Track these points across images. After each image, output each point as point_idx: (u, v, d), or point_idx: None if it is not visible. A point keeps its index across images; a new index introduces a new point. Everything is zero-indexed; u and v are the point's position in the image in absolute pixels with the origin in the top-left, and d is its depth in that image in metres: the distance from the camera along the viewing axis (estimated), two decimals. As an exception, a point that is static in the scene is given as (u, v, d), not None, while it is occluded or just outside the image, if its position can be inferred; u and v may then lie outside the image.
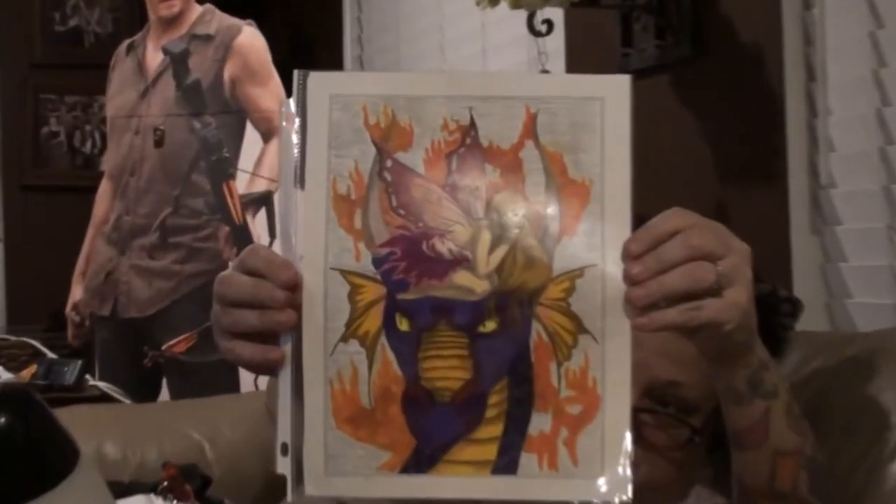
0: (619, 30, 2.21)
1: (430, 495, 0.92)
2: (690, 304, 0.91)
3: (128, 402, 2.58)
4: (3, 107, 4.29)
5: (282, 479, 0.92)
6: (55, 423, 0.90)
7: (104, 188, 3.09)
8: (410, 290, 0.92)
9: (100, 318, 2.98)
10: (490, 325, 0.92)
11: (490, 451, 0.91)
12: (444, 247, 0.92)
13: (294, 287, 0.92)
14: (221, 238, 2.90)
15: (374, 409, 0.92)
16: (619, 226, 0.91)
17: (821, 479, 1.05)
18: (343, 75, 1.00)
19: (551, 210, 0.92)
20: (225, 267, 0.97)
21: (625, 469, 0.90)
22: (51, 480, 0.88)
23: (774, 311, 1.22)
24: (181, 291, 2.88)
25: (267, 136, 2.97)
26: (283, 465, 0.91)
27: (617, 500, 0.90)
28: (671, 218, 0.92)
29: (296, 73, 0.94)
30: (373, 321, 0.92)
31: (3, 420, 0.88)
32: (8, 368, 2.61)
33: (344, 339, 0.92)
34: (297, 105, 0.94)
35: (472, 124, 0.93)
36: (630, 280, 0.90)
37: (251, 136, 3.01)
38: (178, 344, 2.79)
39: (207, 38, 2.99)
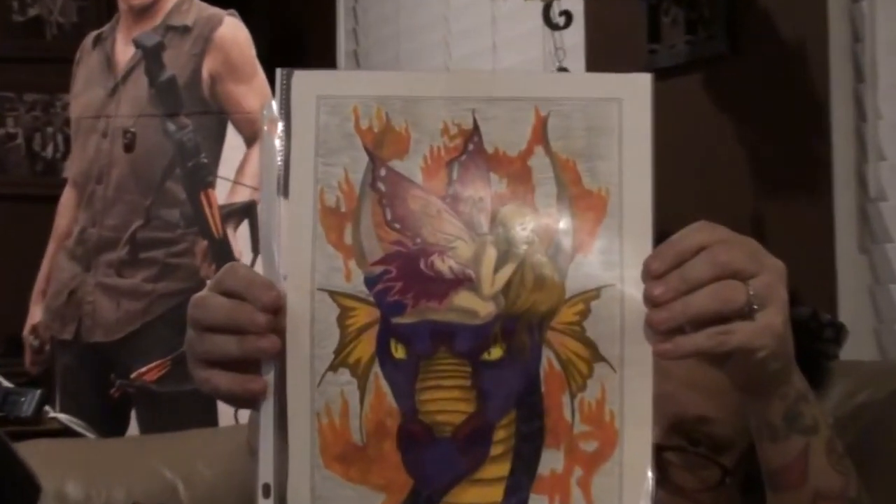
0: (646, 23, 2.22)
1: (428, 542, 0.92)
2: (719, 328, 0.91)
3: (92, 436, 2.58)
4: (-46, 106, 4.30)
5: (263, 524, 0.92)
6: (14, 458, 0.91)
7: (67, 197, 3.10)
8: (407, 313, 0.93)
9: (61, 343, 2.99)
10: (495, 353, 0.93)
11: (496, 493, 0.92)
12: (444, 265, 0.93)
13: (277, 310, 0.93)
14: (198, 253, 2.91)
15: (366, 446, 0.93)
16: (639, 241, 0.92)
17: (865, 526, 1.06)
18: (331, 74, 1.01)
19: (564, 224, 0.93)
20: (202, 286, 0.97)
21: (646, 513, 0.91)
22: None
23: (815, 337, 1.23)
24: (153, 313, 2.89)
25: (250, 139, 2.98)
26: (265, 509, 0.92)
27: (637, 548, 0.91)
28: (697, 232, 0.93)
29: (278, 71, 0.95)
30: (365, 348, 0.93)
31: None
32: (-42, 399, 2.62)
33: (332, 367, 0.93)
34: (281, 107, 0.95)
35: (476, 128, 0.94)
36: (651, 301, 0.91)
37: (233, 139, 3.02)
38: (149, 372, 2.80)
39: (184, 30, 3.00)
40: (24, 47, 4.35)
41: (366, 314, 0.93)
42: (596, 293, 0.92)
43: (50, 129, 4.39)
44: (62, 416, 2.75)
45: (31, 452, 1.30)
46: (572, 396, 0.92)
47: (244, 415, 1.98)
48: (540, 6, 2.13)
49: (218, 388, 0.94)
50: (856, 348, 1.53)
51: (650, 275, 0.91)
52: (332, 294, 0.93)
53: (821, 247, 1.88)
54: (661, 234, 0.94)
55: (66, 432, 2.63)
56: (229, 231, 2.93)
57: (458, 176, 0.94)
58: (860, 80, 1.89)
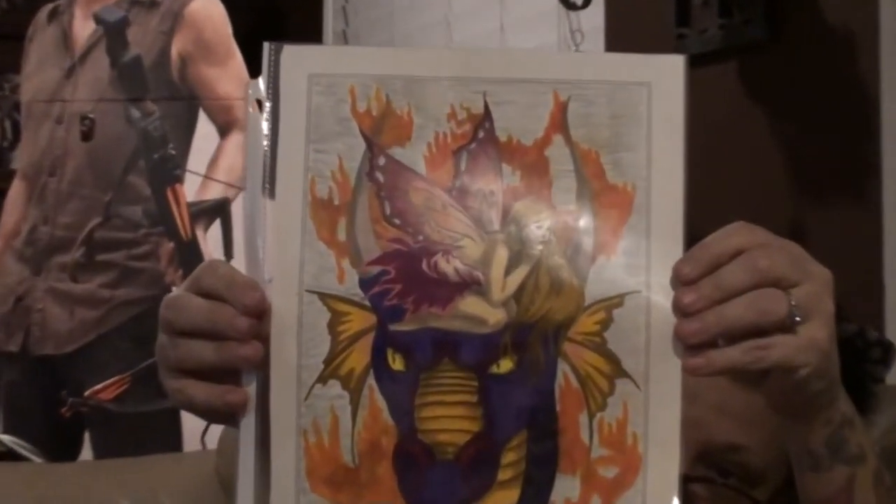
0: (674, 4, 2.23)
1: (426, 578, 0.93)
2: (756, 342, 0.92)
3: (40, 460, 2.58)
4: None
5: (241, 558, 0.93)
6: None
7: (16, 191, 3.10)
8: (406, 319, 0.94)
9: (6, 355, 2.99)
10: (505, 365, 0.93)
11: (503, 524, 0.93)
12: (449, 266, 0.94)
13: (260, 313, 0.94)
14: (163, 256, 2.91)
15: (358, 469, 0.93)
16: (668, 243, 0.93)
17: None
18: (326, 50, 1.02)
19: (584, 222, 0.93)
20: (166, 292, 0.98)
21: (671, 550, 0.92)
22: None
23: (862, 357, 1.24)
24: (111, 323, 2.89)
25: (224, 129, 2.99)
26: (244, 538, 0.93)
27: (661, 588, 0.91)
28: (734, 234, 0.94)
29: (266, 45, 0.96)
30: (359, 358, 0.94)
31: None
32: None
33: (322, 379, 0.94)
34: (268, 87, 0.96)
35: (487, 113, 0.95)
36: (681, 310, 0.92)
37: (204, 128, 3.02)
38: (105, 389, 2.80)
39: (151, 5, 3.01)
40: (-32, 22, 4.36)
41: (360, 320, 0.94)
42: (619, 300, 0.93)
43: (-4, 115, 4.40)
44: (6, 438, 2.75)
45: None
46: (591, 416, 0.93)
47: (213, 439, 1.97)
48: (555, -17, 2.14)
49: (192, 400, 0.95)
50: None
51: (681, 280, 0.92)
52: (323, 297, 0.94)
53: (867, 257, 1.89)
54: (692, 237, 0.94)
55: (10, 455, 2.63)
56: (199, 232, 2.93)
57: (466, 166, 0.94)
58: (915, 72, 1.90)
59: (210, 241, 2.94)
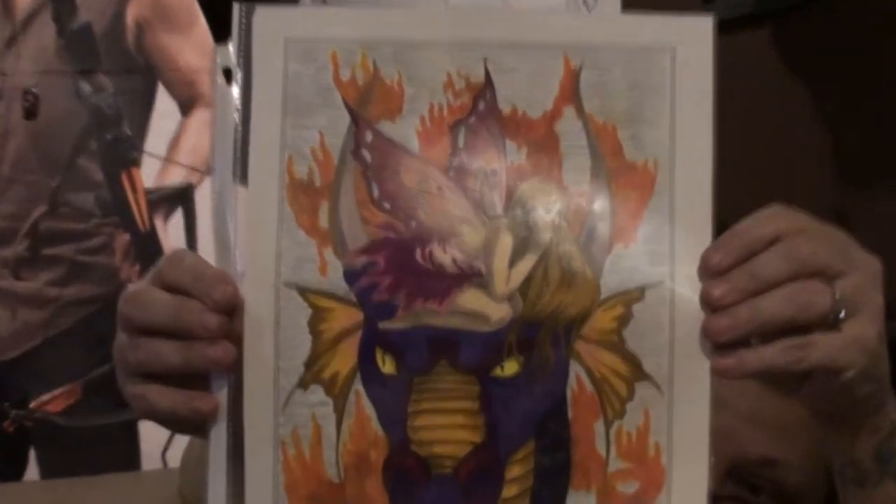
0: (698, -39, 2.23)
1: None
2: (795, 341, 0.92)
3: (-21, 483, 2.59)
4: None
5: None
6: None
7: (-50, 176, 3.11)
8: (398, 316, 0.94)
9: (-60, 364, 3.00)
10: (510, 368, 0.94)
11: (507, 547, 0.93)
12: (446, 256, 0.94)
13: (232, 309, 0.94)
14: (118, 250, 2.91)
15: (343, 484, 0.94)
16: (694, 228, 0.93)
17: None
18: (304, 11, 1.01)
19: (599, 205, 0.94)
20: (121, 290, 0.98)
21: (698, 577, 0.92)
22: None
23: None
24: (59, 325, 2.89)
25: (187, 105, 2.99)
26: (214, 564, 0.93)
27: None
28: (770, 219, 0.94)
29: (236, 6, 0.96)
30: (344, 360, 0.94)
31: None
32: None
33: (303, 384, 0.94)
34: (238, 54, 0.96)
35: (488, 82, 0.95)
36: (711, 305, 0.92)
37: (164, 105, 3.02)
38: (53, 400, 2.80)
39: (103, -36, 3.01)
40: None
41: (345, 317, 0.94)
42: (639, 294, 0.93)
43: (-74, 90, 4.40)
44: (-60, 457, 2.76)
45: None
46: (607, 425, 0.93)
47: (175, 457, 1.97)
48: (563, -63, 2.14)
49: (155, 407, 0.95)
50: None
51: (710, 271, 0.92)
52: (303, 291, 0.94)
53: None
54: (722, 223, 0.95)
55: (-55, 477, 2.64)
56: (158, 222, 2.93)
57: (464, 143, 0.95)
58: (972, 38, 1.90)
59: (171, 232, 2.94)
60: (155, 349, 0.94)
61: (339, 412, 0.94)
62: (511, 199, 0.94)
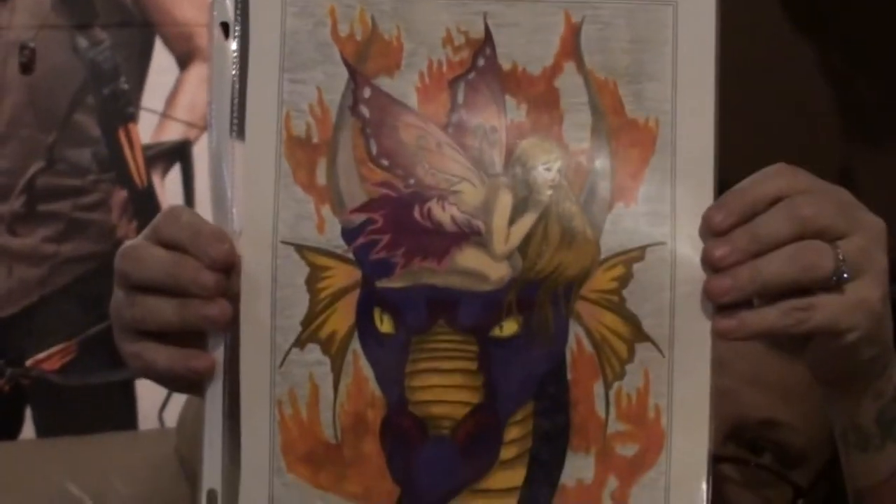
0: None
1: (418, 570, 0.94)
2: (798, 302, 0.92)
3: (-25, 441, 2.59)
4: None
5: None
6: None
7: (-55, 132, 3.10)
8: (396, 275, 0.94)
9: (-65, 321, 3.00)
10: (509, 328, 0.94)
11: (506, 509, 0.93)
12: (444, 214, 0.94)
13: (229, 267, 0.94)
14: (115, 206, 2.91)
15: (340, 445, 0.94)
16: (697, 187, 0.93)
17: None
18: (303, -35, 1.01)
19: (600, 163, 0.94)
20: (118, 247, 0.98)
21: (698, 539, 0.92)
22: None
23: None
24: (55, 283, 2.89)
25: (185, 59, 2.98)
26: (209, 524, 0.93)
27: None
28: (773, 178, 0.94)
29: (232, -41, 0.96)
30: (341, 319, 0.94)
31: None
32: None
33: (299, 343, 0.94)
34: (236, 8, 0.96)
35: (488, 37, 0.95)
36: (712, 265, 0.92)
37: (161, 60, 3.01)
38: (49, 358, 2.81)
39: (100, -85, 3.00)
40: None
41: (343, 275, 0.94)
42: (640, 253, 0.93)
43: (-79, 44, 4.39)
44: (-65, 415, 2.76)
45: None
46: (607, 386, 0.93)
47: (172, 416, 1.97)
48: None
49: (152, 365, 0.95)
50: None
51: (711, 230, 0.92)
52: (300, 249, 0.94)
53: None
54: (724, 182, 0.94)
55: (-60, 435, 2.64)
56: (155, 178, 2.93)
57: (464, 99, 0.95)
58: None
59: (168, 188, 2.94)
60: (151, 306, 0.94)
61: (337, 372, 0.94)
62: (511, 156, 0.94)
